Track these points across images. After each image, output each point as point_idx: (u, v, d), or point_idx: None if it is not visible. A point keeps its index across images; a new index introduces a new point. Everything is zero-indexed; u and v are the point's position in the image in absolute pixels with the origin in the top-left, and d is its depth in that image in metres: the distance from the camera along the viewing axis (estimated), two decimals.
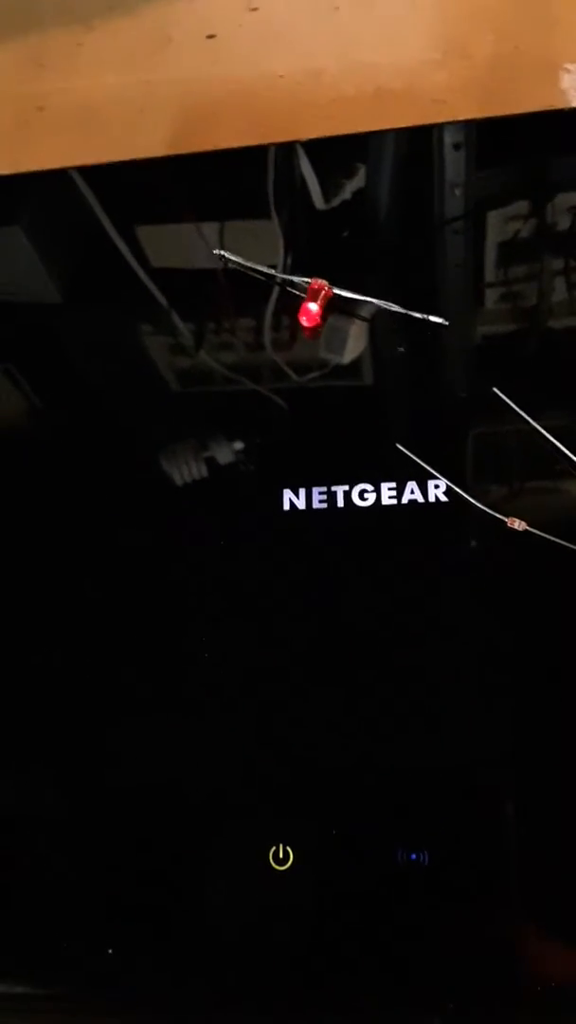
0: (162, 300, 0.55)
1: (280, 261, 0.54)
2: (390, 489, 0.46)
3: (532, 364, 0.50)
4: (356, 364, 0.52)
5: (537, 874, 0.39)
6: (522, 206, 0.55)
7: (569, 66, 0.63)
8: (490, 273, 0.53)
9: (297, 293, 0.51)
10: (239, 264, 0.53)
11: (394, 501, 0.46)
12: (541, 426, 0.46)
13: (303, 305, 0.50)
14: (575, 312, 0.52)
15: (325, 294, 0.49)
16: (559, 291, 0.52)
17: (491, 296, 0.53)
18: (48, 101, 0.68)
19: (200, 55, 0.67)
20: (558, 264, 0.53)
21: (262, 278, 0.52)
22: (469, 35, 0.65)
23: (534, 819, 0.40)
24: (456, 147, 0.57)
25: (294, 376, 0.52)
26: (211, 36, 0.68)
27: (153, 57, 0.68)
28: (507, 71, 0.64)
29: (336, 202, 0.57)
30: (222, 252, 0.53)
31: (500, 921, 0.39)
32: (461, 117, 0.61)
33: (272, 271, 0.52)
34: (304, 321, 0.49)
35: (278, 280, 0.52)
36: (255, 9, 0.68)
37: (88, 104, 0.67)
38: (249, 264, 0.52)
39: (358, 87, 0.65)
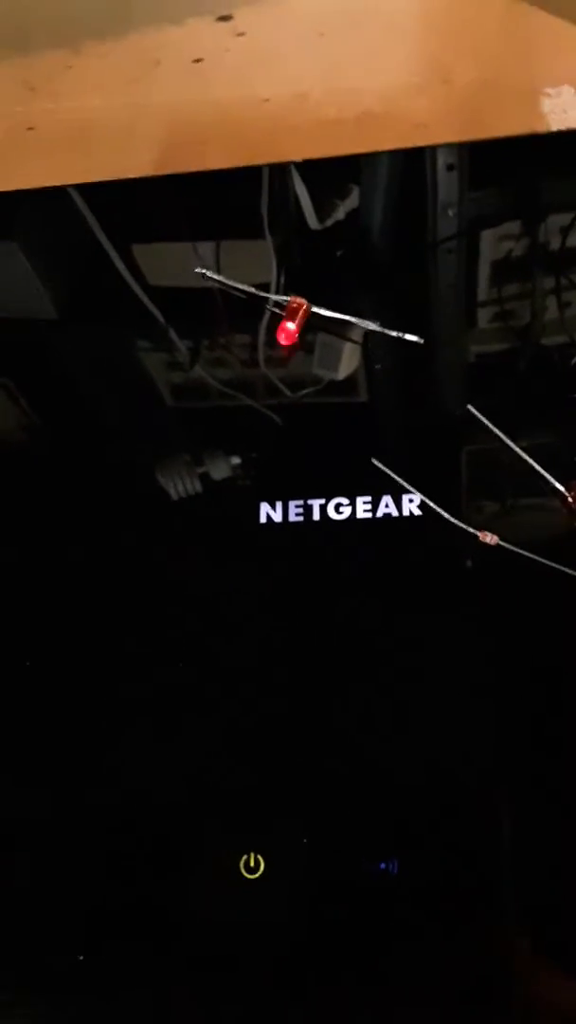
0: (158, 316, 0.56)
1: (273, 280, 0.55)
2: (365, 503, 0.47)
3: (516, 382, 0.51)
4: (337, 382, 0.52)
5: (509, 882, 0.40)
6: (514, 226, 0.56)
7: (549, 90, 0.65)
8: (482, 292, 0.54)
9: (278, 312, 0.52)
10: (219, 282, 0.54)
11: (369, 515, 0.47)
12: (522, 444, 0.47)
13: (282, 323, 0.50)
14: (562, 330, 0.53)
15: (303, 312, 0.50)
16: (550, 310, 0.53)
17: (481, 315, 0.55)
18: (38, 122, 0.69)
19: (187, 79, 0.69)
20: (549, 283, 0.54)
21: (242, 296, 0.53)
22: (451, 61, 0.67)
23: (507, 827, 0.40)
24: (449, 168, 0.57)
25: (285, 392, 0.53)
26: (198, 60, 0.69)
27: (141, 80, 0.69)
28: (488, 96, 0.65)
29: (330, 222, 0.58)
30: (204, 270, 0.54)
31: (471, 929, 0.39)
32: (443, 141, 0.62)
33: (251, 289, 0.53)
34: (282, 339, 0.50)
35: (258, 298, 0.53)
36: (241, 34, 0.69)
37: (77, 125, 0.68)
38: (229, 282, 0.53)
39: (341, 111, 0.66)
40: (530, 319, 0.53)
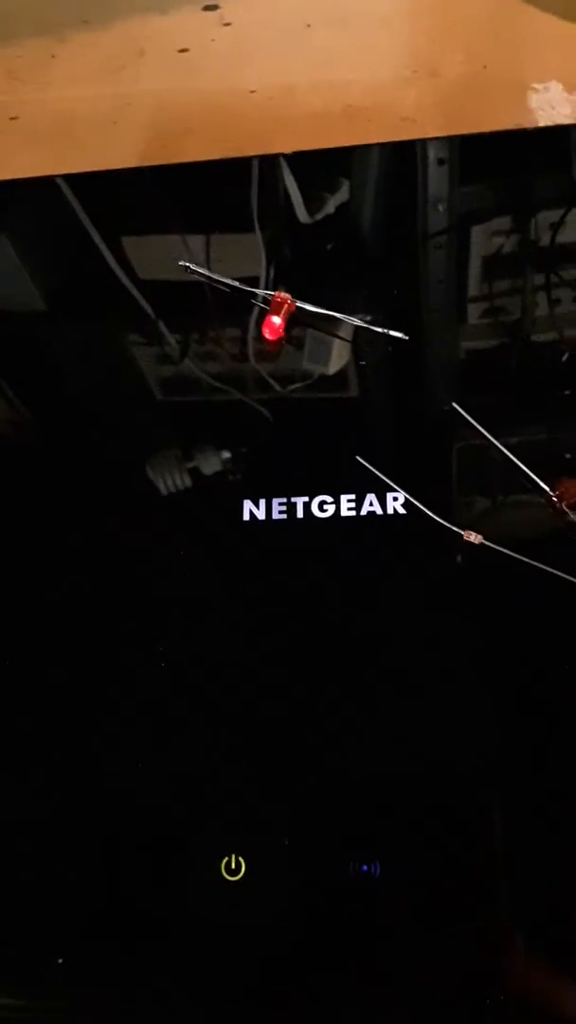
0: (147, 309, 0.55)
1: (263, 273, 0.55)
2: (349, 501, 0.46)
3: (506, 378, 0.51)
4: (321, 378, 0.52)
5: (503, 882, 0.39)
6: (505, 221, 0.56)
7: (537, 86, 0.64)
8: (472, 287, 0.54)
9: (262, 306, 0.52)
10: (203, 275, 0.53)
11: (353, 513, 0.46)
12: (512, 440, 0.47)
13: (267, 317, 0.50)
14: (552, 327, 0.53)
15: (288, 307, 0.50)
16: (540, 306, 0.53)
17: (471, 311, 0.54)
18: (22, 111, 0.68)
19: (172, 69, 0.68)
20: (540, 279, 0.54)
21: (226, 290, 0.53)
22: (439, 54, 0.66)
23: (498, 827, 0.40)
24: (440, 162, 0.57)
25: (274, 387, 0.52)
26: (183, 50, 0.68)
27: (126, 70, 0.68)
28: (476, 90, 0.65)
29: (320, 216, 0.57)
30: (188, 264, 0.53)
31: (453, 931, 0.39)
32: (430, 135, 0.62)
33: (236, 284, 0.52)
34: (267, 334, 0.50)
35: (243, 292, 0.52)
36: (228, 24, 0.69)
37: (61, 115, 0.68)
38: (213, 276, 0.53)
39: (328, 103, 0.66)
40: (520, 315, 0.53)
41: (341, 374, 0.52)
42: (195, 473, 0.49)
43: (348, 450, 0.48)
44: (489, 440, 0.46)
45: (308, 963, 0.39)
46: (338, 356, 0.52)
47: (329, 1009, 0.39)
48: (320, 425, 0.51)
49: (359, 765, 0.42)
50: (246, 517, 0.47)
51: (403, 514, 0.46)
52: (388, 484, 0.46)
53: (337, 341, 0.52)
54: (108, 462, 0.51)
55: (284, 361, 0.52)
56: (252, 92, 0.66)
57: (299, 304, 0.50)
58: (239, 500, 0.47)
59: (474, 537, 0.44)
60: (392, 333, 0.49)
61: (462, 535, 0.45)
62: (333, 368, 0.52)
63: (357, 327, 0.51)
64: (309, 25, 0.68)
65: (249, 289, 0.52)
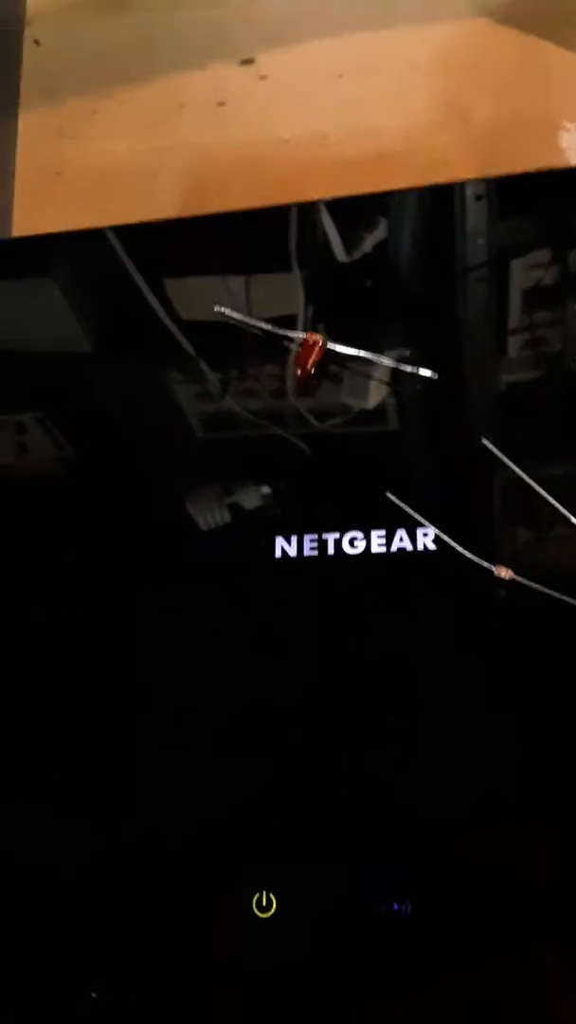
0: (189, 350, 0.57)
1: (301, 313, 0.56)
2: (379, 537, 0.47)
3: (547, 410, 0.51)
4: (355, 413, 0.53)
5: (522, 923, 0.39)
6: (544, 254, 0.57)
7: (568, 125, 0.65)
8: (513, 320, 0.54)
9: (295, 348, 0.53)
10: (237, 320, 0.54)
11: (383, 549, 0.47)
12: (555, 473, 0.47)
13: (296, 358, 0.51)
14: None
15: (319, 349, 0.51)
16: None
17: (512, 343, 0.54)
18: (66, 166, 0.71)
19: (210, 121, 0.70)
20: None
21: (260, 333, 0.54)
22: (469, 98, 0.67)
23: (520, 868, 0.40)
24: (477, 198, 0.58)
25: (304, 424, 0.53)
26: (221, 103, 0.70)
27: (166, 123, 0.70)
28: (507, 131, 0.66)
29: (357, 255, 0.58)
30: (222, 308, 0.54)
31: (482, 971, 0.38)
32: (462, 177, 0.63)
33: (268, 327, 0.54)
34: (297, 374, 0.51)
35: (275, 335, 0.54)
36: (264, 77, 0.71)
37: (104, 168, 0.70)
38: (246, 320, 0.54)
39: (361, 150, 0.67)
40: (561, 347, 0.53)
41: (375, 410, 0.53)
42: (230, 510, 0.50)
43: (380, 486, 0.48)
44: (519, 475, 0.46)
45: (336, 1000, 0.39)
46: (377, 390, 0.52)
47: None
48: (352, 460, 0.51)
49: (393, 800, 0.42)
50: (278, 554, 0.47)
51: (433, 550, 0.46)
52: (418, 520, 0.46)
53: (376, 376, 0.52)
54: (147, 498, 0.53)
55: (321, 396, 0.53)
56: (287, 141, 0.68)
57: (330, 345, 0.51)
58: (271, 537, 0.48)
59: (505, 572, 0.45)
60: (421, 372, 0.50)
61: (492, 571, 0.45)
62: (372, 403, 0.52)
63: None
64: (341, 75, 0.70)
65: (281, 332, 0.53)
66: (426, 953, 0.39)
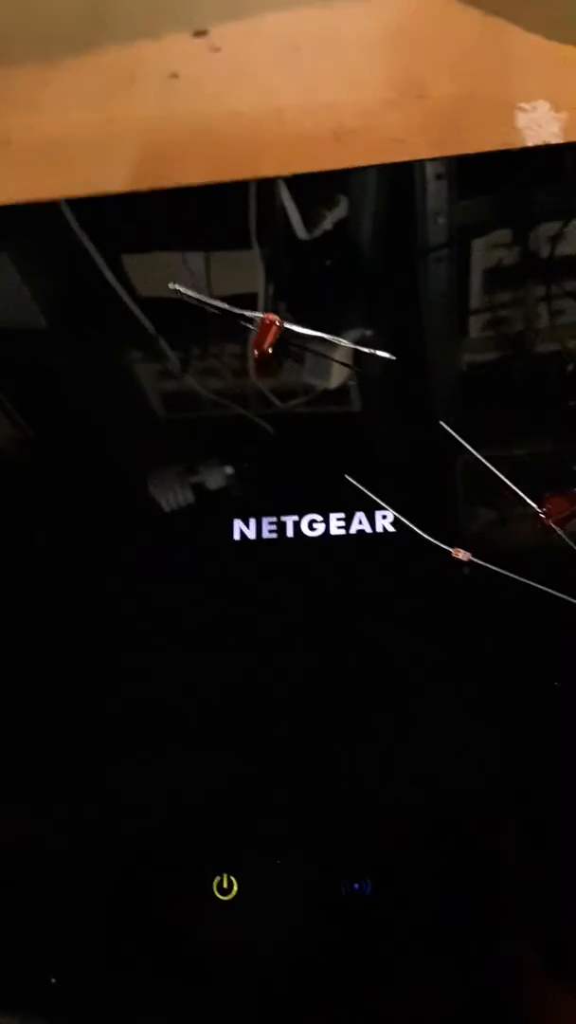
0: (147, 327, 0.56)
1: (261, 291, 0.55)
2: (338, 520, 0.47)
3: (510, 391, 0.51)
4: (314, 395, 0.52)
5: (484, 904, 0.40)
6: (505, 234, 0.57)
7: (524, 105, 0.65)
8: (474, 300, 0.54)
9: (252, 328, 0.52)
10: (192, 298, 0.53)
11: (342, 531, 0.47)
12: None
13: (254, 340, 0.50)
14: (555, 338, 0.53)
15: (276, 329, 0.50)
16: (542, 318, 0.53)
17: (473, 323, 0.54)
18: (14, 136, 0.69)
19: (163, 94, 0.69)
20: (541, 291, 0.54)
21: (216, 312, 0.53)
22: (426, 75, 0.67)
23: (480, 847, 0.40)
24: (438, 177, 0.58)
25: (263, 404, 0.52)
26: (174, 75, 0.69)
27: (117, 95, 0.69)
28: (463, 110, 0.66)
29: (318, 232, 0.58)
30: (176, 286, 0.54)
31: (444, 952, 0.39)
32: (418, 156, 0.62)
33: (224, 305, 0.53)
34: (255, 355, 0.50)
35: (233, 314, 0.53)
36: (217, 49, 0.70)
37: (53, 140, 0.68)
38: (202, 298, 0.53)
39: (317, 126, 0.66)
40: (523, 327, 0.53)
41: (336, 391, 0.52)
42: (189, 491, 0.50)
43: (338, 468, 0.48)
44: (476, 457, 0.47)
45: (301, 983, 0.39)
46: (337, 371, 0.52)
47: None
48: (310, 442, 0.51)
49: (350, 783, 0.42)
50: (236, 536, 0.47)
51: (392, 532, 0.46)
52: (377, 502, 0.46)
53: (336, 356, 0.52)
54: (104, 479, 0.52)
55: (283, 376, 0.53)
56: (242, 116, 0.67)
57: (287, 325, 0.50)
58: (229, 519, 0.47)
59: (462, 555, 0.45)
60: (379, 353, 0.49)
61: (451, 553, 0.45)
62: (335, 382, 0.52)
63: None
64: (298, 49, 0.69)
65: (236, 311, 0.53)
66: (389, 934, 0.39)
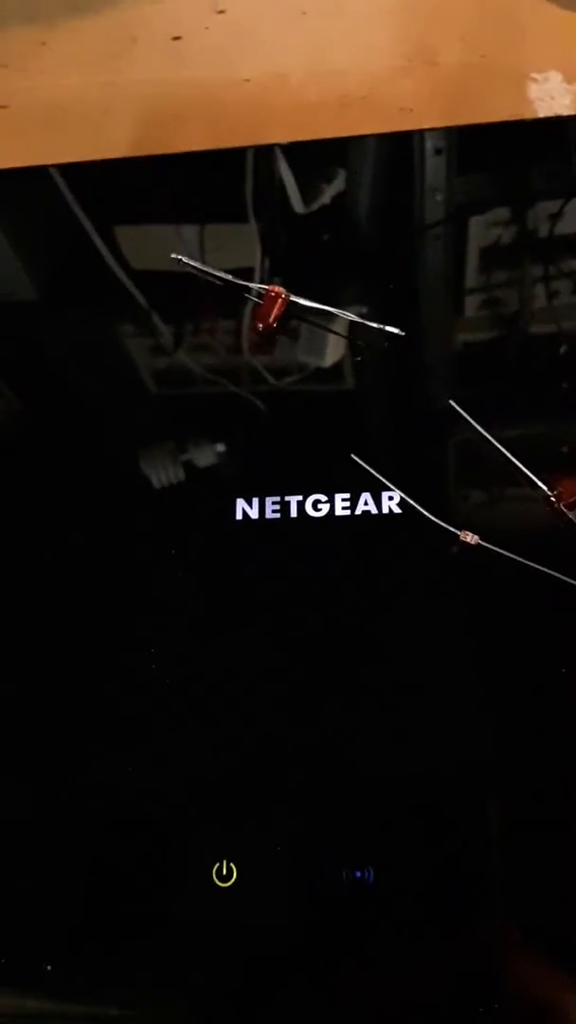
0: (141, 301, 0.54)
1: (257, 264, 0.54)
2: (344, 500, 0.46)
3: (505, 371, 0.50)
4: (317, 372, 0.51)
5: (485, 892, 0.39)
6: (503, 212, 0.55)
7: (536, 76, 0.63)
8: (470, 279, 0.53)
9: (255, 300, 0.51)
10: (195, 268, 0.52)
11: (348, 512, 0.45)
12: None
13: (258, 313, 0.49)
14: (549, 321, 0.52)
15: (282, 302, 0.49)
16: (537, 300, 0.52)
17: (469, 303, 0.53)
18: (11, 100, 0.67)
19: (165, 57, 0.67)
20: (538, 271, 0.53)
21: (219, 283, 0.52)
22: (436, 43, 0.65)
23: (485, 834, 0.40)
24: (437, 152, 0.56)
25: (265, 381, 0.51)
26: (177, 38, 0.67)
27: (118, 58, 0.67)
28: (474, 80, 0.64)
29: (315, 206, 0.56)
30: (179, 256, 0.52)
31: (447, 939, 0.38)
32: (427, 125, 0.61)
33: (229, 277, 0.51)
34: (259, 328, 0.49)
35: (236, 286, 0.51)
36: (222, 12, 0.68)
37: (52, 104, 0.66)
38: (206, 269, 0.52)
39: (324, 93, 0.64)
40: (519, 307, 0.52)
41: (337, 368, 0.51)
42: (187, 469, 0.48)
43: (344, 447, 0.47)
44: (487, 438, 0.45)
45: (299, 972, 0.38)
46: (334, 349, 0.51)
47: (321, 1018, 0.38)
48: (315, 421, 0.50)
49: (353, 768, 0.41)
50: (239, 516, 0.46)
51: (399, 513, 0.45)
52: (384, 483, 0.45)
53: (334, 332, 0.51)
54: (98, 456, 0.50)
55: (279, 353, 0.51)
56: (246, 81, 0.65)
57: (293, 298, 0.49)
58: (232, 498, 0.46)
59: (471, 538, 0.44)
60: (388, 329, 0.48)
61: (459, 535, 0.44)
62: (329, 360, 0.51)
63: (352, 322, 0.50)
64: (304, 13, 0.67)
65: (242, 283, 0.51)
66: (390, 922, 0.38)
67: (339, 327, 0.50)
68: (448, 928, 0.38)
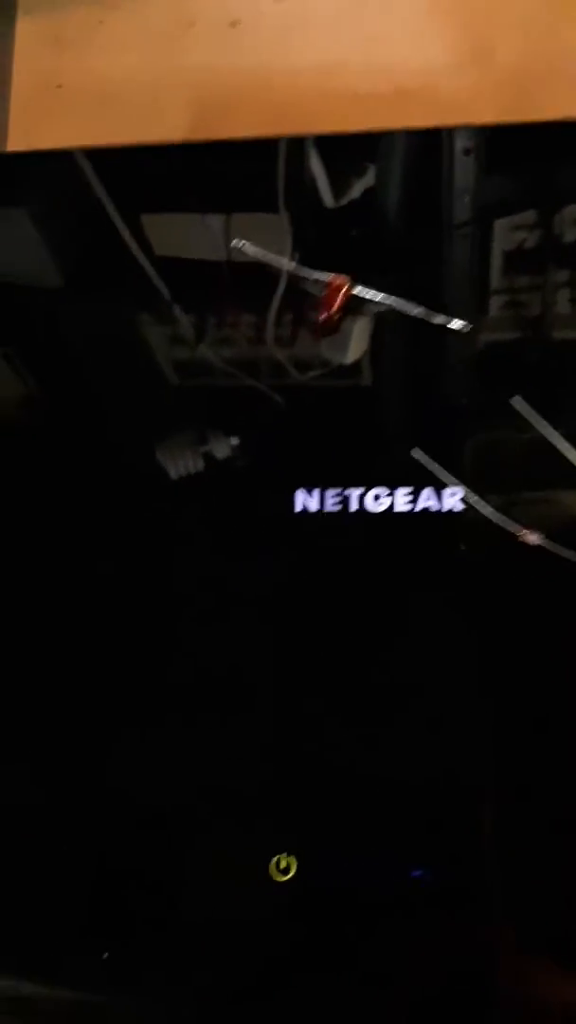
0: (165, 290, 0.54)
1: (287, 256, 0.53)
2: (406, 495, 0.45)
3: (553, 373, 0.50)
4: (369, 367, 0.51)
5: (539, 890, 0.39)
6: (529, 216, 0.54)
7: None
8: (496, 279, 0.53)
9: (310, 291, 0.50)
10: (259, 258, 0.51)
11: (409, 507, 0.45)
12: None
13: (322, 301, 0.49)
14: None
15: (345, 292, 0.48)
16: (560, 303, 0.52)
17: (496, 303, 0.53)
18: (66, 79, 0.66)
19: (222, 42, 0.66)
20: (564, 274, 0.53)
21: (280, 272, 0.51)
22: (494, 38, 0.64)
23: (540, 833, 0.39)
24: (466, 152, 0.56)
25: (298, 374, 0.51)
26: (234, 23, 0.66)
27: (175, 41, 0.66)
28: (531, 77, 0.63)
29: (345, 201, 0.56)
30: (243, 243, 0.51)
31: (464, 929, 0.38)
32: (481, 122, 0.60)
33: (291, 264, 0.51)
34: (322, 319, 0.48)
35: (296, 276, 0.51)
36: None
37: (106, 84, 0.66)
38: (269, 258, 0.51)
39: (377, 85, 0.64)
40: (541, 311, 0.52)
41: (378, 365, 0.51)
42: (240, 460, 0.48)
43: (404, 443, 0.46)
44: (555, 437, 0.45)
45: (355, 966, 0.38)
46: (356, 345, 0.50)
47: (376, 1011, 0.38)
48: (370, 417, 0.50)
49: (414, 766, 0.41)
50: (298, 508, 0.46)
51: (460, 510, 0.45)
52: (446, 479, 0.45)
53: (355, 330, 0.50)
54: (127, 446, 0.50)
55: (302, 348, 0.51)
56: (300, 70, 0.65)
57: (358, 290, 0.49)
58: (291, 490, 0.46)
59: (533, 537, 0.43)
60: (454, 323, 0.48)
61: (520, 535, 0.43)
62: (351, 357, 0.50)
63: (379, 315, 0.49)
64: (363, 3, 0.66)
65: (305, 274, 0.51)
66: (445, 919, 0.38)
67: (361, 321, 0.49)
68: (448, 927, 0.38)
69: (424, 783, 0.40)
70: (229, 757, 0.42)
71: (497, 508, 0.44)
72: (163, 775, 0.42)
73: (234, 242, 0.52)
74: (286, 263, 0.51)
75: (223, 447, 0.48)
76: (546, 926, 0.38)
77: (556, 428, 0.46)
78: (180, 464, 0.47)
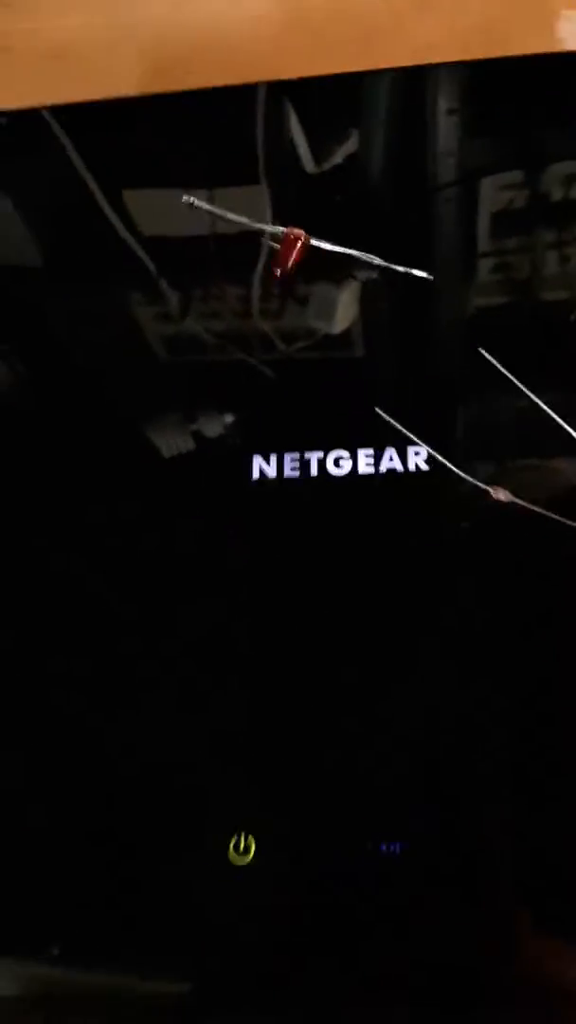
0: (147, 262, 0.53)
1: (269, 225, 0.51)
2: (367, 456, 0.43)
3: (521, 333, 0.48)
4: (334, 335, 0.49)
5: (509, 864, 0.37)
6: (516, 175, 0.53)
7: (567, 12, 0.60)
8: (482, 241, 0.51)
9: (274, 245, 0.48)
10: (209, 211, 0.49)
11: (371, 469, 0.43)
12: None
13: (278, 255, 0.46)
14: (566, 283, 0.49)
15: (302, 244, 0.46)
16: (551, 262, 0.50)
17: (482, 264, 0.51)
18: (15, 42, 0.64)
19: None
20: (550, 234, 0.51)
21: (233, 226, 0.49)
22: None
23: (508, 807, 0.38)
24: (450, 112, 0.54)
25: (278, 344, 0.49)
26: None
27: None
28: (501, 16, 0.61)
29: (327, 166, 0.54)
30: (192, 199, 0.49)
31: (471, 913, 0.36)
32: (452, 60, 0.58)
33: (244, 220, 0.49)
34: (276, 272, 0.46)
35: (251, 230, 0.49)
36: None
37: (55, 44, 0.63)
38: (220, 212, 0.49)
39: (344, 27, 0.61)
40: (530, 272, 0.50)
41: (350, 332, 0.49)
42: (203, 434, 0.46)
43: (365, 401, 0.44)
44: (520, 390, 0.43)
45: (321, 948, 0.37)
46: (344, 313, 0.48)
47: (344, 995, 0.36)
48: (333, 378, 0.48)
49: (375, 739, 0.39)
50: (255, 475, 0.44)
51: (425, 470, 0.43)
52: (410, 438, 0.43)
53: (343, 298, 0.48)
54: (113, 422, 0.48)
55: (290, 319, 0.49)
56: (260, 16, 0.62)
57: (314, 242, 0.46)
58: (248, 456, 0.44)
59: (502, 494, 0.41)
60: (415, 272, 0.45)
61: (489, 492, 0.41)
62: (339, 326, 0.49)
63: (368, 282, 0.47)
64: None
65: (260, 227, 0.48)
66: (415, 896, 0.37)
67: (353, 283, 0.48)
68: (462, 907, 0.37)
69: (406, 751, 0.39)
70: (193, 732, 0.40)
71: (465, 470, 0.42)
72: (124, 750, 0.40)
73: (184, 198, 0.49)
74: (236, 217, 0.49)
75: (213, 423, 0.46)
76: (563, 908, 0.36)
77: (541, 391, 0.44)
78: (168, 441, 0.46)
